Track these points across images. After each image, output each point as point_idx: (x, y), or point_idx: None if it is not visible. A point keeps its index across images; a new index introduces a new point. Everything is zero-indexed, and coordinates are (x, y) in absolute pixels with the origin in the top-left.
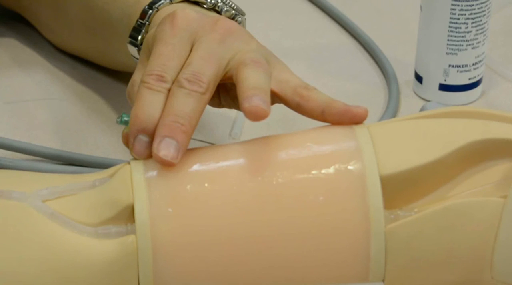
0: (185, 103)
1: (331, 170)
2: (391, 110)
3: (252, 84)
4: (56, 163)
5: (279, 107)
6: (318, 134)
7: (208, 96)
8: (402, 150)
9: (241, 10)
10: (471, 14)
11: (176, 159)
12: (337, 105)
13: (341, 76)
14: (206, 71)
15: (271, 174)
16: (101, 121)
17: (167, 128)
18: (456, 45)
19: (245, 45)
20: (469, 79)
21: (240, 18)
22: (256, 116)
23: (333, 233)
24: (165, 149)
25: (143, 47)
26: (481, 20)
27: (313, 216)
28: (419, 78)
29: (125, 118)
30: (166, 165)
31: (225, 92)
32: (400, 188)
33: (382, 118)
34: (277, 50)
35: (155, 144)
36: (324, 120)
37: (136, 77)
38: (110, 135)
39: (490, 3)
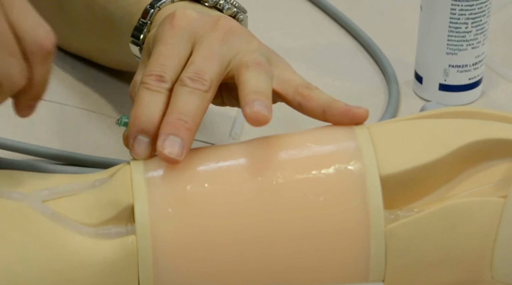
0: (189, 101)
1: (331, 170)
2: (391, 110)
3: (254, 87)
4: (56, 163)
5: (280, 107)
6: (318, 134)
7: (211, 94)
8: (402, 150)
9: (243, 8)
10: (471, 14)
11: (180, 156)
12: (338, 105)
13: (341, 76)
14: (209, 70)
15: (271, 174)
16: (101, 121)
17: (171, 125)
18: (456, 45)
19: (246, 45)
20: (469, 79)
21: (241, 16)
22: (257, 121)
23: (333, 233)
24: (170, 146)
25: (144, 46)
26: (481, 20)
27: (313, 216)
28: (419, 78)
29: (125, 120)
30: (170, 162)
31: (228, 91)
32: (400, 188)
33: (382, 118)
34: (277, 50)
35: (159, 142)
36: (325, 119)
37: (137, 78)
38: (110, 135)
39: (490, 3)
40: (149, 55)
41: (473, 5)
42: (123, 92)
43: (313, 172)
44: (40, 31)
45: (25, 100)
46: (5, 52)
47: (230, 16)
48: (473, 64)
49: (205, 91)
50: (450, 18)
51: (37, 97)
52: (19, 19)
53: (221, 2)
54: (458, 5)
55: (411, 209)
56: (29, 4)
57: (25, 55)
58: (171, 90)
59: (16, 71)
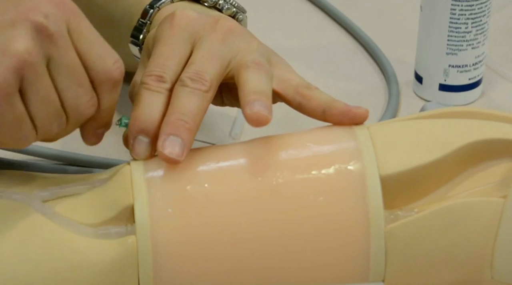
0: (189, 102)
1: (331, 170)
2: (391, 110)
3: (254, 88)
4: (56, 164)
5: (280, 106)
6: (318, 134)
7: (211, 94)
8: (402, 150)
9: (242, 8)
10: (471, 14)
11: (181, 156)
12: (338, 105)
13: (341, 76)
14: (209, 70)
15: (271, 174)
16: None
17: (172, 126)
18: (456, 45)
19: (246, 45)
20: (469, 79)
21: (241, 16)
22: (257, 122)
23: (333, 233)
24: (170, 147)
25: (143, 47)
26: (481, 20)
27: (313, 216)
28: (419, 78)
29: (125, 120)
30: (171, 163)
31: (228, 91)
32: (400, 188)
33: (382, 118)
34: (277, 50)
35: (160, 142)
36: (325, 119)
37: (137, 78)
38: (110, 135)
39: (490, 3)
40: (148, 55)
41: (473, 5)
42: (123, 92)
43: (313, 172)
44: (108, 60)
45: (92, 128)
46: (74, 83)
47: (229, 16)
48: (473, 64)
49: (205, 91)
50: (450, 18)
51: (104, 125)
52: (87, 49)
53: (220, 2)
54: (458, 5)
55: (411, 209)
56: (97, 32)
57: (93, 85)
58: (171, 90)
59: (84, 102)
